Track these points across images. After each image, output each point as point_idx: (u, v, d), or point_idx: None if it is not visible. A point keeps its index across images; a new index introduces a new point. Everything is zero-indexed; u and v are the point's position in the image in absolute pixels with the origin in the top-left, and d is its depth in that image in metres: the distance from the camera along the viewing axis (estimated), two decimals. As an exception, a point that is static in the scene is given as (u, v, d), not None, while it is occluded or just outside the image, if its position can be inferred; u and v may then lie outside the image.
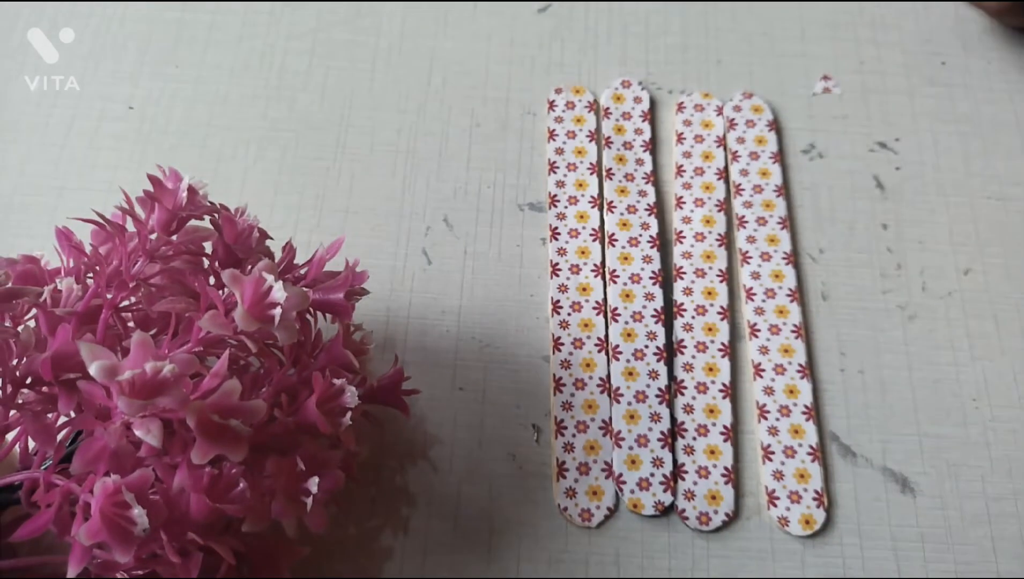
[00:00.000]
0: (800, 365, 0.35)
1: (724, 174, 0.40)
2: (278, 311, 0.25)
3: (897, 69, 0.43)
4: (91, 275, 0.28)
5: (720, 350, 0.35)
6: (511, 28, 0.44)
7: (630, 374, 0.35)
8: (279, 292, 0.25)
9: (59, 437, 0.25)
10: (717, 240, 0.38)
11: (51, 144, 0.40)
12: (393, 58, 0.43)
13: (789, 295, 0.37)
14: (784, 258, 0.38)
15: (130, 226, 0.28)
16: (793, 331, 0.36)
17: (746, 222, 0.38)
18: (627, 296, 0.36)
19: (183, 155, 0.40)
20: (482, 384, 0.35)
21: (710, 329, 0.36)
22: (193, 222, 0.28)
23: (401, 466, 0.33)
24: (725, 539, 0.32)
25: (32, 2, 0.44)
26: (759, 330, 0.36)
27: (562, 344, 0.35)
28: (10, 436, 0.26)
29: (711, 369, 0.35)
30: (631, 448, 0.33)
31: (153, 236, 0.27)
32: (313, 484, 0.26)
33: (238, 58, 0.43)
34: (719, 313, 0.36)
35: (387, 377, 0.32)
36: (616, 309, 0.36)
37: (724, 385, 0.35)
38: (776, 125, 0.41)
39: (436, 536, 0.32)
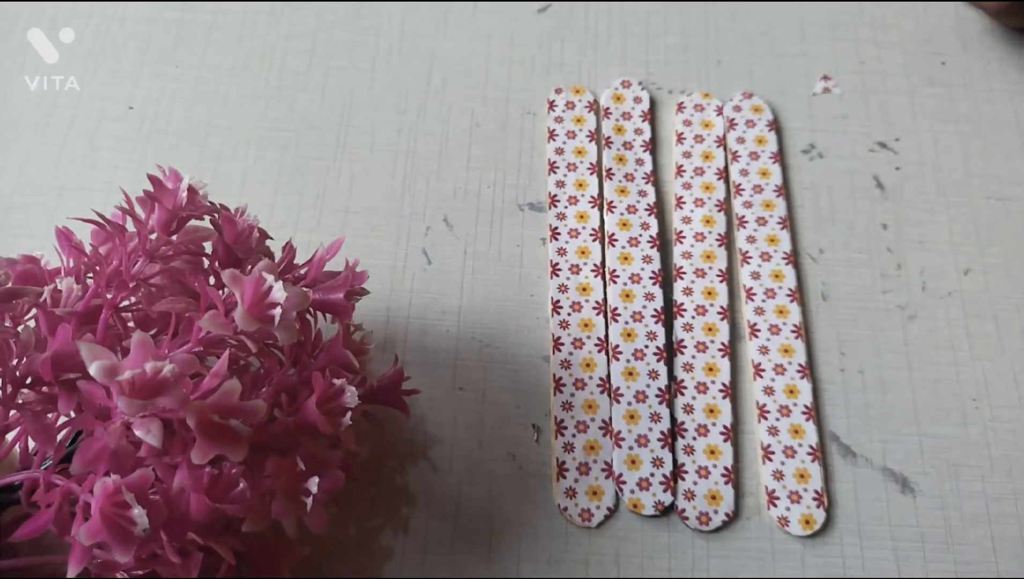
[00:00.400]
0: (800, 365, 0.35)
1: (724, 174, 0.40)
2: (278, 311, 0.25)
3: (897, 69, 0.43)
4: (91, 275, 0.28)
5: (720, 350, 0.35)
6: (511, 28, 0.44)
7: (630, 374, 0.35)
8: (279, 292, 0.25)
9: (59, 437, 0.25)
10: (717, 240, 0.38)
11: (51, 144, 0.40)
12: (393, 58, 0.43)
13: (789, 295, 0.37)
14: (784, 258, 0.38)
15: (130, 226, 0.28)
16: (793, 331, 0.36)
17: (746, 222, 0.38)
18: (627, 296, 0.36)
19: (183, 155, 0.40)
20: (482, 384, 0.35)
21: (710, 329, 0.36)
22: (193, 222, 0.28)
23: (401, 466, 0.33)
24: (725, 539, 0.32)
25: (32, 2, 0.44)
26: (759, 330, 0.36)
27: (562, 344, 0.35)
28: (10, 436, 0.26)
29: (711, 369, 0.35)
30: (631, 448, 0.33)
31: (153, 236, 0.27)
32: (313, 484, 0.26)
33: (238, 58, 0.43)
34: (719, 313, 0.36)
35: (387, 377, 0.32)
36: (616, 309, 0.36)
37: (724, 385, 0.35)
38: (776, 125, 0.41)
39: (436, 536, 0.32)
